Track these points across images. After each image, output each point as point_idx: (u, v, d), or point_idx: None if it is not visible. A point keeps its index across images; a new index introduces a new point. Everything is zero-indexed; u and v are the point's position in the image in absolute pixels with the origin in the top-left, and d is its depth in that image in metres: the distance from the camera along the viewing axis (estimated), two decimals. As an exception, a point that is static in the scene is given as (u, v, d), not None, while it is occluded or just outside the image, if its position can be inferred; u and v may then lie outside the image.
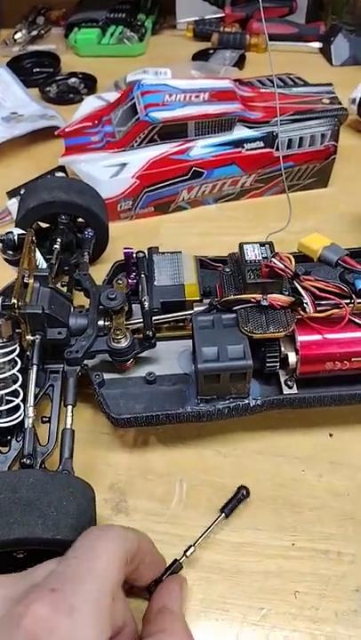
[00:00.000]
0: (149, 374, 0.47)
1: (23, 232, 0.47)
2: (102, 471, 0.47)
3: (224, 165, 0.69)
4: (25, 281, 0.46)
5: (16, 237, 0.47)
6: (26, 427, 0.41)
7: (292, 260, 0.43)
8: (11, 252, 0.48)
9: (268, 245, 0.46)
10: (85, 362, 0.47)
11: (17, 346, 0.43)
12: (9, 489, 0.35)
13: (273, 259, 0.42)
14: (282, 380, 0.46)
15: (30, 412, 0.41)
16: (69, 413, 0.44)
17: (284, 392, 0.45)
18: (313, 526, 0.44)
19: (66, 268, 0.59)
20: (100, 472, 0.47)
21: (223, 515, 0.43)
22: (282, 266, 0.42)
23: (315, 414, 0.49)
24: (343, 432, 0.49)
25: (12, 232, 0.47)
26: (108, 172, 0.67)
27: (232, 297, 0.45)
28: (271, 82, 0.76)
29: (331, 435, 0.49)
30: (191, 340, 0.48)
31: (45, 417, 0.45)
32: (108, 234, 0.62)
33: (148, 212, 0.69)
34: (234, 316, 0.44)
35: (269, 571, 0.42)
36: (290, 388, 0.45)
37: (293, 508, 0.45)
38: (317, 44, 1.04)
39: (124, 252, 0.52)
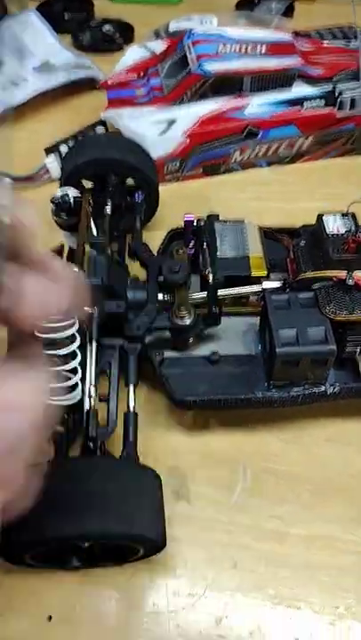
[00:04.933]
0: (213, 354, 0.44)
1: (79, 194, 0.43)
2: (160, 454, 0.44)
3: (282, 125, 0.64)
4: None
5: (72, 200, 0.42)
6: (88, 407, 0.38)
7: (385, 234, 0.38)
8: (64, 216, 0.43)
9: (350, 216, 0.42)
10: (143, 338, 0.44)
11: (76, 319, 0.40)
12: (79, 478, 0.33)
13: (362, 233, 0.38)
14: None
15: (92, 391, 0.38)
16: (132, 394, 0.40)
17: (364, 378, 0.42)
18: (386, 520, 0.42)
19: (115, 234, 0.54)
20: (158, 455, 0.44)
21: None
22: (374, 241, 0.38)
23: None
24: None
25: (67, 194, 0.43)
26: (156, 130, 0.62)
27: (311, 274, 0.41)
28: (332, 34, 0.70)
29: None
30: (259, 319, 0.44)
31: (103, 396, 0.42)
32: (159, 198, 0.58)
33: (195, 173, 0.64)
34: (312, 295, 0.41)
35: (342, 567, 0.40)
36: (369, 374, 0.42)
37: (366, 500, 0.42)
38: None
39: (185, 220, 0.47)
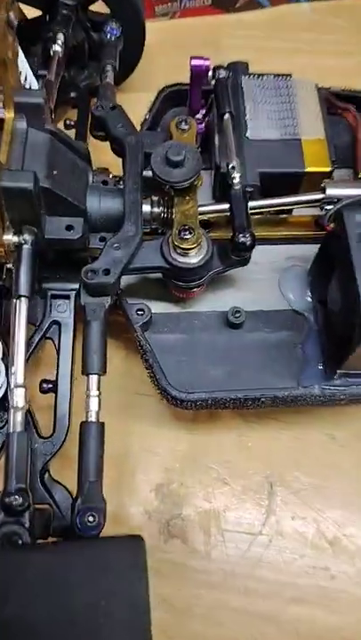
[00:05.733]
0: (235, 313, 0.26)
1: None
2: (142, 460, 0.30)
3: None
4: (-1, 115, 0.22)
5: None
6: (11, 428, 0.20)
7: None
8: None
9: None
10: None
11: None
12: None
13: None
14: None
15: (18, 396, 0.20)
16: (94, 389, 0.23)
17: None
18: None
19: (72, 94, 0.34)
20: (137, 462, 0.30)
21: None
22: None
23: None
24: None
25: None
26: None
27: None
28: None
29: None
30: (316, 255, 0.26)
31: (47, 381, 0.25)
32: (145, 37, 0.36)
33: (201, 5, 0.46)
34: None
35: None
36: None
37: None
38: None
39: (194, 66, 0.28)
